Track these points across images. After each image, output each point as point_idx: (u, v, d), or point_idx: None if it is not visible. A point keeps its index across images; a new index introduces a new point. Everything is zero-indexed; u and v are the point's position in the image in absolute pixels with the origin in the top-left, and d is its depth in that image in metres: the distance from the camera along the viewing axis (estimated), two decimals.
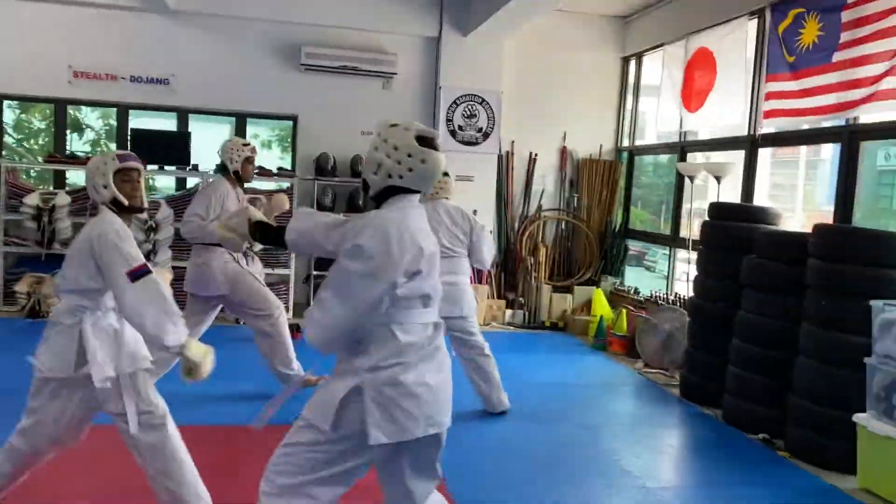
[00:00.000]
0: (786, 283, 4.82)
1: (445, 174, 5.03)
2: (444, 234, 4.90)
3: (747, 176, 6.32)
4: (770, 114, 5.97)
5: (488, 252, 5.11)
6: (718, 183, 6.13)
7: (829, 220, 5.53)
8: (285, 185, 7.93)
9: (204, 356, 2.95)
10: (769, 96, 5.95)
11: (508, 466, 4.15)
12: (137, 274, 2.82)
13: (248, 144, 5.07)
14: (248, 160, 4.99)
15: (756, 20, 6.31)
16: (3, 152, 7.87)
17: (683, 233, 7.36)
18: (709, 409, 5.45)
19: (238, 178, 5.00)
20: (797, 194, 9.16)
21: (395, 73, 8.18)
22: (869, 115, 5.03)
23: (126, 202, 2.99)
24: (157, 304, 2.83)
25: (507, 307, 8.32)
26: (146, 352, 3.04)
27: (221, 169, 5.05)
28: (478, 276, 8.28)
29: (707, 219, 5.76)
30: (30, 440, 2.98)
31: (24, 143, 9.56)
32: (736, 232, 5.41)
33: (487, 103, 8.33)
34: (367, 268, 2.21)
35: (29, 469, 3.10)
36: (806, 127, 5.85)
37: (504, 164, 8.59)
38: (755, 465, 4.43)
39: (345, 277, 2.24)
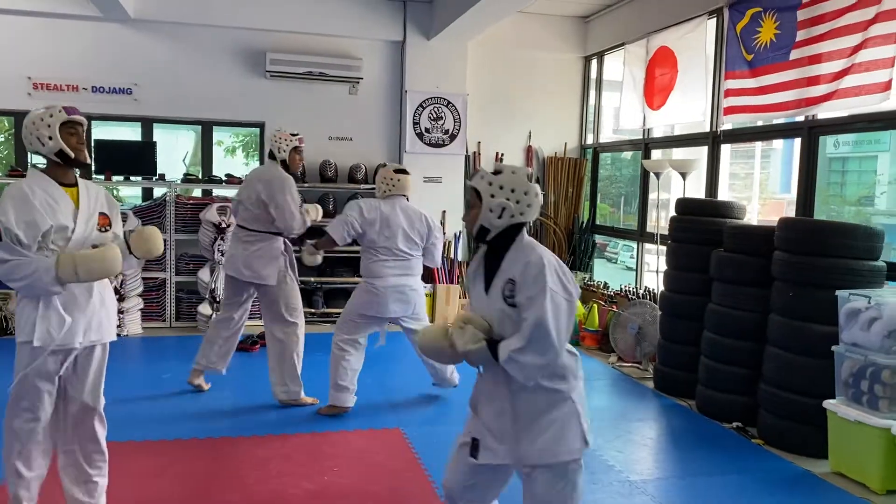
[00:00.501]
0: (754, 276, 4.99)
1: (403, 171, 5.09)
2: (400, 236, 4.93)
3: (710, 171, 6.49)
4: (730, 110, 6.14)
5: (439, 253, 5.26)
6: (684, 179, 6.29)
7: (784, 207, 5.71)
8: None
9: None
10: (728, 93, 6.12)
11: None
12: None
13: (297, 135, 5.17)
14: (296, 150, 5.13)
15: (715, 19, 6.47)
16: None
17: (650, 227, 7.52)
18: (683, 400, 5.60)
19: (285, 167, 5.11)
20: (753, 184, 9.42)
21: (361, 78, 8.20)
22: (829, 112, 5.21)
23: (73, 155, 2.98)
24: None
25: None
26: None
27: (270, 156, 5.16)
28: (449, 275, 8.38)
29: (674, 214, 5.90)
30: None
31: None
32: (703, 226, 5.57)
33: (453, 105, 8.40)
34: (571, 302, 2.44)
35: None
36: (762, 123, 6.05)
37: (471, 165, 8.67)
38: (731, 454, 4.58)
39: (561, 315, 2.39)
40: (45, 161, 3.05)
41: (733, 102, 6.04)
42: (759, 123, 6.12)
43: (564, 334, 2.41)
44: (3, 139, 9.37)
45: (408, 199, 5.12)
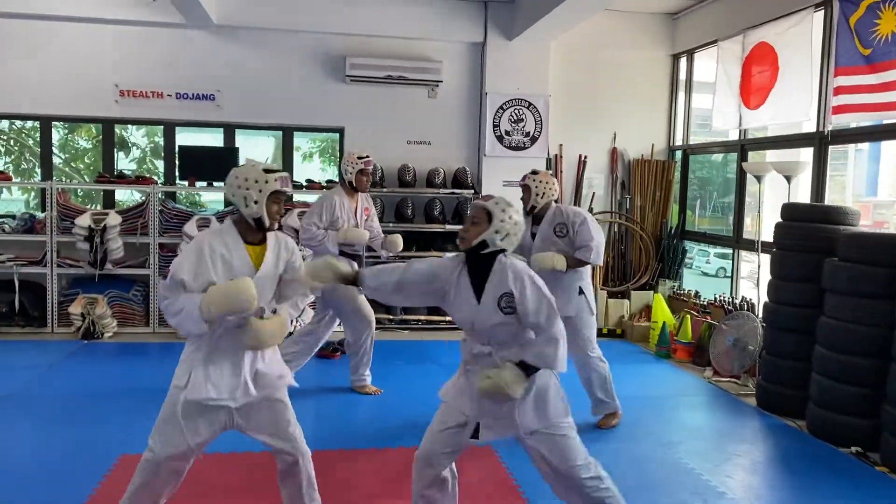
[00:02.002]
0: (875, 287, 4.59)
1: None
2: None
3: (817, 174, 6.07)
4: (840, 109, 5.71)
5: None
6: (789, 182, 5.89)
7: (871, 210, 5.30)
8: None
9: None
10: (839, 91, 5.70)
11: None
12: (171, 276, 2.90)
13: (364, 157, 5.46)
14: (362, 172, 5.44)
15: (822, 12, 6.05)
16: (53, 174, 7.88)
17: (747, 234, 7.12)
18: (791, 419, 5.21)
19: (353, 188, 5.45)
20: (847, 186, 8.87)
21: (441, 81, 8.04)
22: None
23: (268, 224, 2.98)
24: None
25: None
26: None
27: (340, 179, 5.57)
28: None
29: (780, 220, 5.52)
30: None
31: (71, 164, 9.59)
32: (813, 233, 5.18)
33: (534, 107, 8.16)
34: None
35: None
36: (886, 122, 5.59)
37: (553, 168, 8.41)
38: (854, 482, 4.20)
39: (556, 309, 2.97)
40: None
41: (845, 100, 5.62)
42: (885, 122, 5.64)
43: None
44: (90, 145, 9.60)
45: None
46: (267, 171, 2.96)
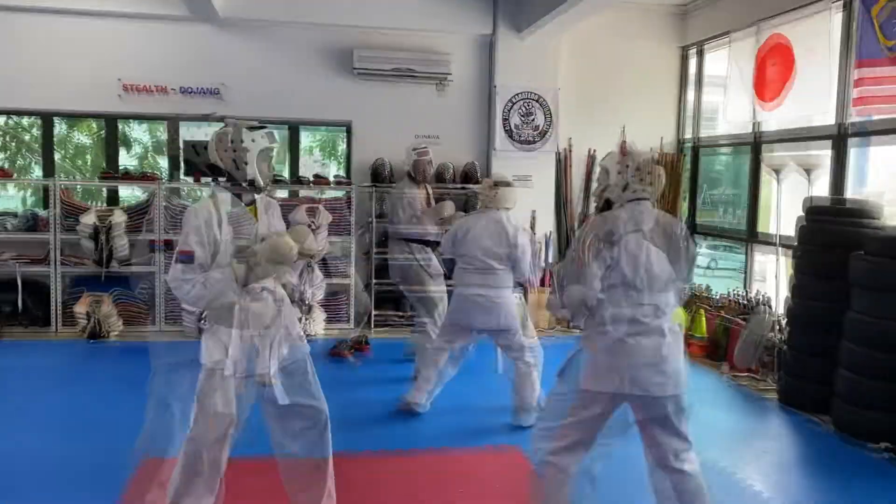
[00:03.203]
0: None
1: (505, 183, 5.09)
2: (480, 248, 4.92)
3: (837, 169, 6.01)
4: (861, 101, 5.66)
5: (526, 266, 5.01)
6: (808, 178, 5.83)
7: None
8: (341, 193, 7.74)
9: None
10: (860, 83, 5.64)
11: (625, 490, 3.88)
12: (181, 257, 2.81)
13: (418, 148, 6.18)
14: (417, 162, 6.12)
15: (840, 2, 5.99)
16: (54, 170, 7.73)
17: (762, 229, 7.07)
18: (815, 416, 5.16)
19: (412, 178, 6.19)
20: (847, 183, 8.83)
21: (450, 75, 7.93)
22: None
23: (262, 184, 2.95)
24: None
25: None
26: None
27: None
28: (540, 281, 8.02)
29: (802, 214, 5.47)
30: None
31: (72, 161, 9.42)
32: (839, 228, 5.14)
33: (544, 101, 8.07)
34: None
35: None
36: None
37: (562, 163, 8.33)
38: (888, 481, 4.15)
39: None
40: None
41: (866, 93, 5.56)
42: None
43: None
44: (92, 142, 9.44)
45: (508, 209, 5.04)
46: (251, 128, 2.86)
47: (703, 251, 12.60)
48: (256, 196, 2.95)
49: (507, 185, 5.06)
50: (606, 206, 3.12)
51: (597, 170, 8.19)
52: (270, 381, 2.83)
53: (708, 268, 12.32)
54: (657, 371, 2.89)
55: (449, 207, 6.16)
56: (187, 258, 2.73)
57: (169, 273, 2.83)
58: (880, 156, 8.53)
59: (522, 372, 4.90)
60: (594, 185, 4.67)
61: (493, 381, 5.43)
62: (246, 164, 2.81)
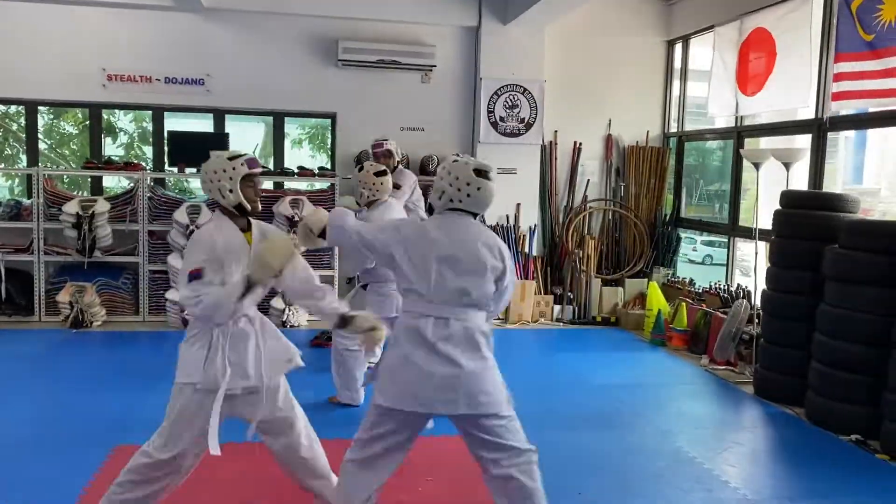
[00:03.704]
0: (877, 275, 4.56)
1: (381, 173, 4.91)
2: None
3: (815, 161, 6.03)
4: (840, 95, 5.67)
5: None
6: (787, 170, 5.85)
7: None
8: (326, 185, 7.74)
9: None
10: (839, 77, 5.65)
11: (595, 480, 3.92)
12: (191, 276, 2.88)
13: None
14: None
15: None
16: (38, 159, 7.74)
17: (742, 221, 7.09)
18: (789, 407, 5.20)
19: None
20: (836, 174, 8.84)
21: (434, 66, 7.94)
22: None
23: (249, 207, 3.02)
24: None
25: (554, 302, 8.08)
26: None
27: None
28: (524, 270, 8.06)
29: (779, 207, 5.49)
30: None
31: (57, 150, 9.41)
32: (814, 221, 5.16)
33: (529, 93, 8.07)
34: None
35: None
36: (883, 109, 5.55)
37: (547, 155, 8.34)
38: (854, 471, 4.19)
39: None
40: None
41: (846, 87, 5.57)
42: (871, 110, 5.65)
43: None
44: (76, 131, 9.42)
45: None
46: (231, 157, 3.00)
47: (699, 246, 12.75)
48: (253, 223, 3.10)
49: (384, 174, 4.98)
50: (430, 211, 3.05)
51: (581, 164, 8.32)
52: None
53: (703, 263, 12.42)
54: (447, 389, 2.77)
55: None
56: (197, 275, 2.85)
57: (180, 296, 2.96)
58: (877, 148, 8.60)
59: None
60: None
61: None
62: (231, 192, 2.94)
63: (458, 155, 2.97)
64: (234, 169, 2.95)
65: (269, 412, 3.03)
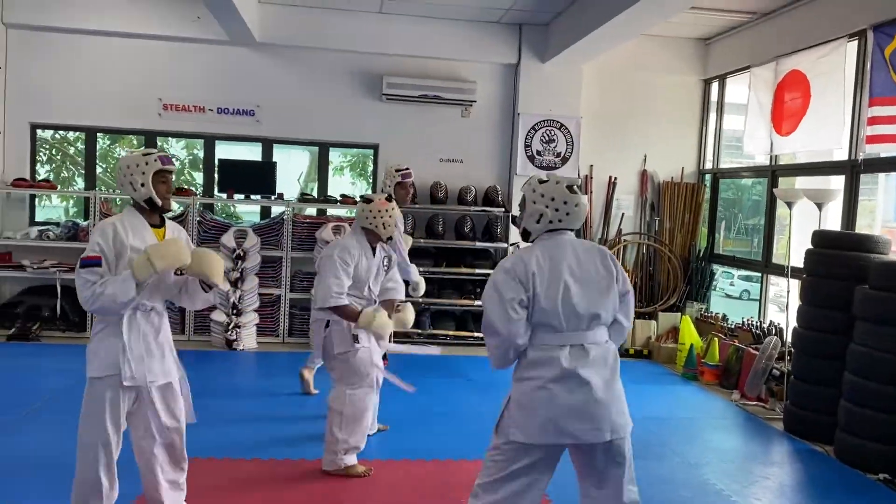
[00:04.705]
0: None
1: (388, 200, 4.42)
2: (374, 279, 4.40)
3: (848, 202, 6.12)
4: (874, 139, 5.78)
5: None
6: (820, 210, 5.94)
7: None
8: None
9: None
10: (873, 121, 5.76)
11: None
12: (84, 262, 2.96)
13: (401, 170, 5.50)
14: (400, 185, 5.47)
15: (856, 42, 6.13)
16: (96, 183, 8.13)
17: (776, 259, 7.16)
18: (818, 444, 5.25)
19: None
20: (876, 213, 8.85)
21: (474, 101, 8.20)
22: None
23: (160, 203, 3.12)
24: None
25: None
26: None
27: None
28: None
29: (811, 246, 5.59)
30: None
31: (111, 174, 9.84)
32: (845, 261, 5.25)
33: (566, 128, 8.28)
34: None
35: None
36: None
37: (583, 189, 8.50)
38: None
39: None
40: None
41: (879, 131, 5.68)
42: None
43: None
44: None
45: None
46: (145, 154, 3.12)
47: (737, 281, 12.74)
48: (167, 219, 3.23)
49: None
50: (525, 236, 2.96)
51: (617, 197, 8.47)
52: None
53: (739, 298, 12.40)
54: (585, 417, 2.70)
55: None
56: (90, 262, 2.94)
57: (76, 282, 3.02)
58: None
59: None
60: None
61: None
62: (143, 185, 3.05)
63: (544, 177, 2.91)
64: (146, 164, 3.05)
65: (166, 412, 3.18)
